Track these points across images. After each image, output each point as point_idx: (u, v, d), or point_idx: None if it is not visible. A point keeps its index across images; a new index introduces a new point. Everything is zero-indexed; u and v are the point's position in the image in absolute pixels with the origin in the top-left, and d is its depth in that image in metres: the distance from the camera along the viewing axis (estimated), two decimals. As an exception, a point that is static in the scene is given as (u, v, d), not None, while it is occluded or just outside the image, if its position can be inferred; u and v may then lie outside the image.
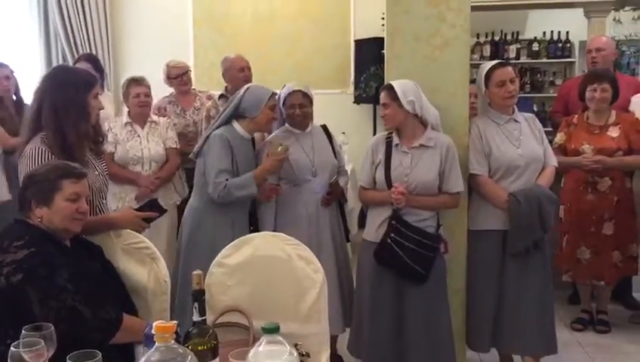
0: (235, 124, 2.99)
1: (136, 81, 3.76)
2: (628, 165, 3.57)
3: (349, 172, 3.45)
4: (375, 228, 2.78)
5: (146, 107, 3.76)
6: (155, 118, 3.85)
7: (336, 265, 3.07)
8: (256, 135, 3.19)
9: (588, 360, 3.39)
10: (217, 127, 2.99)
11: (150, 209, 2.39)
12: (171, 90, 4.29)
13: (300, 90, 3.09)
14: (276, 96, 3.06)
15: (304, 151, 3.09)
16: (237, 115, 2.99)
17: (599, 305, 3.85)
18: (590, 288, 3.85)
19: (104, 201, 2.45)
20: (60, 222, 1.98)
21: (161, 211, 2.42)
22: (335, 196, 3.13)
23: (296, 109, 3.08)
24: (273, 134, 3.24)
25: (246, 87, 3.06)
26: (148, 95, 3.75)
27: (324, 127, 3.27)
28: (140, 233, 2.28)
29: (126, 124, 3.72)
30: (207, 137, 2.98)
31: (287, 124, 3.16)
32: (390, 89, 2.73)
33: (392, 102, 2.72)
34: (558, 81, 5.79)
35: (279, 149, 2.92)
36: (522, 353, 2.93)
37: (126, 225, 2.27)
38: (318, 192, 3.07)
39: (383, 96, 2.76)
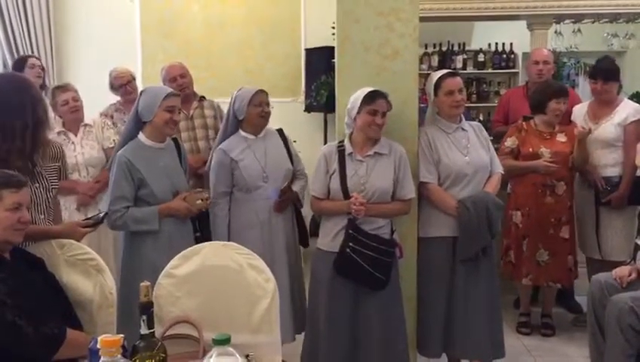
0: (141, 136, 2.83)
1: (61, 88, 3.68)
2: (580, 154, 3.64)
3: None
4: (331, 238, 2.77)
5: (77, 112, 3.65)
6: (89, 120, 3.74)
7: (289, 272, 3.05)
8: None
9: (534, 363, 3.48)
10: (123, 144, 2.84)
11: (92, 220, 2.36)
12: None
13: (263, 90, 3.08)
14: (172, 95, 2.83)
15: (256, 158, 3.05)
16: (140, 122, 2.83)
17: (544, 309, 3.97)
18: (530, 292, 3.97)
19: (41, 216, 2.35)
20: (1, 233, 1.90)
21: (98, 222, 2.39)
22: (287, 201, 3.09)
23: (265, 106, 3.06)
24: (227, 141, 3.13)
25: (142, 91, 2.91)
26: (76, 99, 3.65)
27: (280, 131, 3.23)
28: (78, 241, 2.23)
29: (59, 133, 3.60)
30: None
31: (240, 130, 3.09)
32: (387, 97, 2.72)
33: (388, 111, 2.73)
34: (503, 91, 5.95)
35: (197, 202, 2.82)
36: (471, 357, 2.98)
37: (67, 236, 2.22)
38: (271, 198, 3.04)
39: (384, 105, 2.70)
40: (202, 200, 2.84)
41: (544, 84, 3.89)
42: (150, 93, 2.83)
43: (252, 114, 3.01)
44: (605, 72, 3.71)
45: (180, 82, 3.77)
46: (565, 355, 3.58)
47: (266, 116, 3.09)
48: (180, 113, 3.00)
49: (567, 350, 3.64)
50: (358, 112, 2.70)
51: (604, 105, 3.75)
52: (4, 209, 1.91)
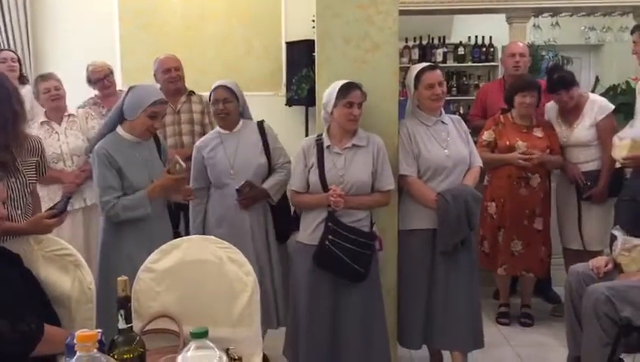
0: (119, 129, 2.79)
1: (43, 77, 3.67)
2: (553, 163, 3.77)
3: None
4: (310, 231, 2.78)
5: (58, 100, 3.63)
6: (72, 111, 3.72)
7: (259, 269, 2.94)
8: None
9: (512, 353, 3.52)
10: (102, 135, 2.80)
11: (56, 209, 2.26)
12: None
13: (223, 85, 3.06)
14: (159, 103, 2.78)
15: (225, 155, 3.05)
16: (122, 117, 2.80)
17: (523, 299, 4.02)
18: (509, 282, 4.02)
19: (18, 212, 2.30)
20: None
21: (62, 210, 2.28)
22: (249, 199, 3.03)
23: (220, 104, 3.04)
24: (204, 137, 3.20)
25: (131, 86, 2.84)
26: (58, 88, 3.63)
27: (260, 124, 3.19)
28: (48, 233, 2.19)
29: (42, 123, 3.59)
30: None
31: (217, 126, 3.13)
32: (361, 88, 2.72)
33: (363, 102, 2.73)
34: (483, 85, 5.99)
35: (176, 167, 2.79)
36: (451, 348, 3.01)
37: (33, 231, 2.17)
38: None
39: (359, 96, 2.71)
40: (179, 163, 2.79)
41: (514, 79, 3.93)
42: (139, 94, 2.77)
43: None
44: (564, 81, 3.71)
45: (173, 74, 3.79)
46: (544, 344, 3.63)
47: (222, 113, 3.06)
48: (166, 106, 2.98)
49: (545, 339, 3.69)
50: (335, 105, 2.71)
51: (572, 109, 3.79)
52: (-21, 205, 1.88)
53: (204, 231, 3.01)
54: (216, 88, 3.08)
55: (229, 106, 3.06)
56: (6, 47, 5.37)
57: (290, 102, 5.50)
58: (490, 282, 4.08)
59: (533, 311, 4.00)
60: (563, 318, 3.07)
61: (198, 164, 3.11)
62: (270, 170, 3.14)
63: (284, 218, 3.19)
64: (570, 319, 2.89)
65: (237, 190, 3.01)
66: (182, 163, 2.82)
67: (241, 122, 3.15)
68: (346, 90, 2.69)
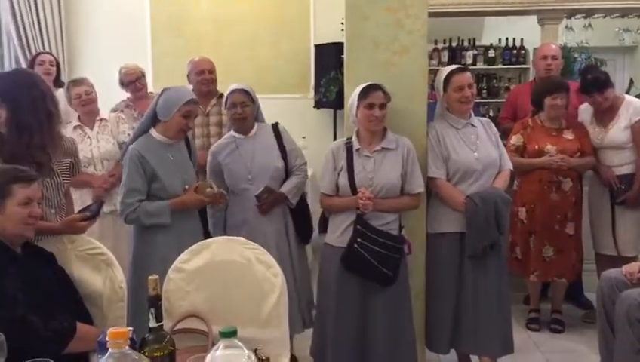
0: (153, 131, 2.83)
1: (75, 82, 3.72)
2: (584, 166, 3.71)
3: (309, 176, 3.41)
4: (339, 234, 2.77)
5: (89, 104, 3.68)
6: (105, 115, 3.78)
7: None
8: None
9: (542, 360, 3.46)
10: (135, 137, 2.85)
11: (89, 211, 2.32)
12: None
13: (239, 89, 3.08)
14: (192, 103, 2.82)
15: (242, 159, 3.06)
16: (156, 119, 2.83)
17: (554, 305, 3.95)
18: (539, 288, 3.96)
19: (52, 211, 2.36)
20: (13, 227, 1.93)
21: (95, 214, 2.34)
22: (268, 204, 3.04)
23: (238, 108, 3.05)
24: (218, 142, 3.19)
25: (164, 89, 2.87)
26: (89, 92, 3.68)
27: (275, 127, 3.19)
28: (81, 234, 2.24)
29: (75, 127, 3.65)
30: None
31: (232, 130, 3.14)
32: (383, 89, 2.73)
33: (387, 103, 2.73)
34: (514, 87, 5.92)
35: (206, 190, 2.81)
36: (480, 353, 2.97)
37: (66, 231, 2.23)
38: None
39: (381, 97, 2.71)
40: (211, 187, 2.83)
41: (543, 81, 3.87)
42: (172, 95, 2.81)
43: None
44: (598, 83, 3.65)
45: (207, 77, 3.82)
46: (575, 351, 3.56)
47: (240, 117, 3.07)
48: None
49: (576, 346, 3.62)
50: (358, 108, 2.72)
51: (607, 110, 3.72)
52: (16, 204, 1.93)
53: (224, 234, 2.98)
54: (232, 92, 3.08)
55: (246, 110, 3.07)
56: (40, 50, 5.51)
57: (318, 105, 5.52)
58: (521, 287, 4.02)
59: (564, 317, 3.93)
60: (595, 325, 3.01)
61: (214, 170, 3.10)
62: (287, 172, 3.14)
63: (303, 219, 3.21)
64: (602, 325, 2.83)
65: (256, 196, 3.02)
66: (215, 187, 2.85)
67: (256, 126, 3.15)
68: (366, 91, 2.70)
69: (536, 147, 3.66)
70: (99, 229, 3.45)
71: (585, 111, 3.85)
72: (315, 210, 3.76)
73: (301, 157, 3.20)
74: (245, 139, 3.10)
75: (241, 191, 3.06)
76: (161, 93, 2.85)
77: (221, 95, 3.92)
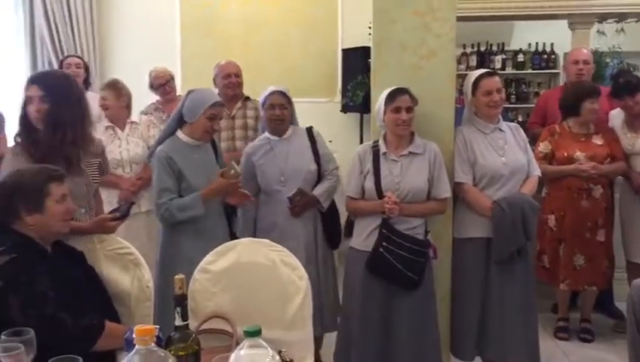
0: (179, 133, 2.86)
1: (109, 85, 3.76)
2: (615, 171, 3.65)
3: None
4: (364, 237, 2.77)
5: (106, 110, 3.70)
6: (135, 118, 3.83)
7: (310, 276, 2.97)
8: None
9: (571, 369, 3.42)
10: (162, 140, 2.88)
11: (119, 212, 2.36)
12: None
13: (279, 91, 3.09)
14: (217, 105, 2.84)
15: (276, 161, 3.07)
16: (182, 121, 2.86)
17: (583, 314, 3.88)
18: (568, 296, 3.89)
19: (82, 210, 2.40)
20: (55, 224, 1.98)
21: (125, 215, 2.37)
22: (300, 207, 3.04)
23: (276, 110, 3.07)
24: (252, 143, 3.22)
25: (190, 90, 2.90)
26: (105, 98, 3.69)
27: (309, 130, 3.21)
28: (111, 233, 2.27)
29: (107, 127, 3.70)
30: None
31: (266, 132, 3.16)
32: (410, 93, 2.73)
33: (414, 106, 2.73)
34: (543, 92, 5.84)
35: (231, 172, 2.81)
36: (506, 360, 2.93)
37: (96, 231, 2.26)
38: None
39: (407, 100, 2.71)
40: (234, 168, 2.82)
41: (575, 85, 3.81)
42: (197, 97, 2.83)
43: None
44: (629, 86, 3.59)
45: (233, 80, 3.85)
46: (604, 361, 3.49)
47: (277, 119, 3.08)
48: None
49: (606, 356, 3.55)
50: (385, 112, 2.71)
51: (638, 115, 3.65)
52: (54, 201, 1.98)
53: (254, 236, 2.99)
54: (272, 93, 3.10)
55: (285, 112, 3.09)
56: (73, 53, 5.62)
57: (345, 109, 5.52)
58: (549, 295, 3.96)
59: (594, 326, 3.86)
60: (625, 334, 2.95)
61: (248, 171, 3.11)
62: (319, 176, 3.14)
63: (333, 224, 3.20)
64: (632, 335, 2.76)
65: (289, 198, 3.03)
66: (237, 168, 2.86)
67: (290, 128, 3.16)
68: (393, 95, 2.70)
69: (565, 154, 3.60)
70: (127, 229, 3.51)
71: (616, 116, 3.78)
72: (341, 213, 3.75)
73: (333, 161, 3.21)
74: (280, 141, 3.12)
75: (273, 193, 3.07)
76: (187, 94, 2.88)
77: (247, 98, 3.95)
